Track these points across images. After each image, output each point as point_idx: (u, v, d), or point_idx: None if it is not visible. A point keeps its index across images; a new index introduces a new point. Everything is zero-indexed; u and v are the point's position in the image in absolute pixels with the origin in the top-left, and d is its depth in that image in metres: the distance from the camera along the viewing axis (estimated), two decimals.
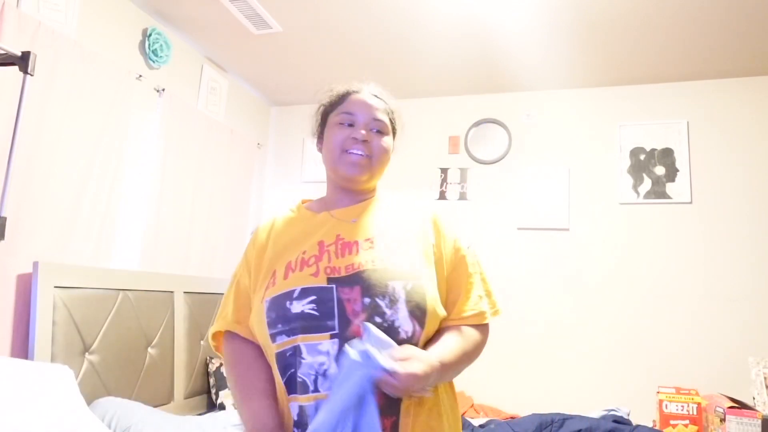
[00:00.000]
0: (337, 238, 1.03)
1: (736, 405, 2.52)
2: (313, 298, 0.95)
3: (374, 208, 1.11)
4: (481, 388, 3.16)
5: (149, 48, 2.88)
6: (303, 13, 2.81)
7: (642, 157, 3.37)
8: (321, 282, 0.97)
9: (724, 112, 3.27)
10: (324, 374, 0.91)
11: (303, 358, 0.93)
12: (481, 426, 2.61)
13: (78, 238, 2.40)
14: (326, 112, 1.15)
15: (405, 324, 0.95)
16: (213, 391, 2.85)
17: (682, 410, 2.67)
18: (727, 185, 3.20)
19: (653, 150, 3.36)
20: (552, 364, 3.30)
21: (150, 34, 2.88)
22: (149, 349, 2.54)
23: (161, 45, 2.93)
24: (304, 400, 0.93)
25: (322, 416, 0.84)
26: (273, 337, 0.97)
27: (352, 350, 0.85)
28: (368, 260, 0.99)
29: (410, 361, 0.86)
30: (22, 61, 1.85)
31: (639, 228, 3.31)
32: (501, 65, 3.29)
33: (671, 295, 3.19)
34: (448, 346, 0.97)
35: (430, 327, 0.99)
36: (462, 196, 3.67)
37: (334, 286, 0.96)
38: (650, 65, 3.19)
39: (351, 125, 1.09)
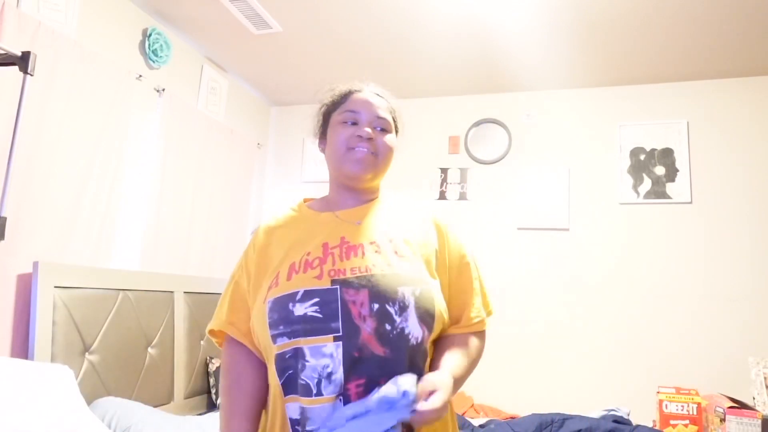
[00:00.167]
0: (341, 241, 1.02)
1: (736, 405, 2.52)
2: (316, 300, 0.94)
3: (378, 210, 1.10)
4: (481, 388, 3.16)
5: (149, 48, 2.88)
6: (303, 13, 2.81)
7: (642, 157, 3.37)
8: (325, 284, 0.96)
9: (724, 112, 3.27)
10: (328, 377, 0.91)
11: (306, 361, 0.92)
12: (481, 426, 2.61)
13: (78, 238, 2.40)
14: (328, 112, 1.14)
15: (415, 330, 0.95)
16: (213, 391, 2.86)
17: (682, 410, 2.67)
18: (727, 185, 3.21)
19: (653, 150, 3.36)
20: (552, 364, 3.30)
21: (150, 34, 2.88)
22: (149, 349, 2.54)
23: (161, 45, 2.93)
24: (307, 402, 0.92)
25: None
26: (274, 338, 0.96)
27: (391, 388, 0.85)
28: (375, 264, 0.98)
29: (435, 395, 0.86)
30: (22, 61, 1.85)
31: (639, 228, 3.31)
32: (501, 65, 3.29)
33: (671, 295, 3.19)
34: (459, 364, 0.98)
35: (437, 330, 1.00)
36: (462, 196, 3.67)
37: (338, 287, 0.95)
38: (650, 65, 3.20)
39: (354, 123, 1.08)
